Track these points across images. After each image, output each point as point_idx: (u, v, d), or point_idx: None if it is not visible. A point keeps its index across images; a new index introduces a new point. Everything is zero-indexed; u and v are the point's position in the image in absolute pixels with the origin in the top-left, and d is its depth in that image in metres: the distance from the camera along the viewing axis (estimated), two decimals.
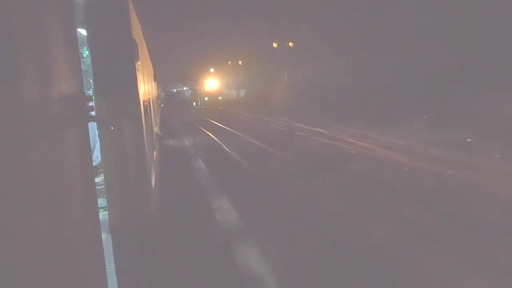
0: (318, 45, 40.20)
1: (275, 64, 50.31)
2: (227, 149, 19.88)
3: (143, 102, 5.25)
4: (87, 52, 3.99)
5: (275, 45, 46.74)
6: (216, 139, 23.74)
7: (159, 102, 35.25)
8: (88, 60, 3.95)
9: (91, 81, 4.07)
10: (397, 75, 27.16)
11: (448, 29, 24.96)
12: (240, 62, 66.01)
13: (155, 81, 15.81)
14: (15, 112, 1.28)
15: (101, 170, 4.29)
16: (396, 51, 27.95)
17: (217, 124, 33.10)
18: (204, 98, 68.46)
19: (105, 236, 3.91)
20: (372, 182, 12.48)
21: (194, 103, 67.36)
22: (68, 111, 1.94)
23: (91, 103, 2.30)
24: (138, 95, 4.30)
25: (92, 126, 3.93)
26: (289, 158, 16.93)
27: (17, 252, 1.20)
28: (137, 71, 4.39)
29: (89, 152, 2.41)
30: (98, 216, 2.40)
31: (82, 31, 4.13)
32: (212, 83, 70.95)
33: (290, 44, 45.88)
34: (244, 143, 21.87)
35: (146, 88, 6.91)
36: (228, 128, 29.29)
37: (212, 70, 72.73)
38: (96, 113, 3.17)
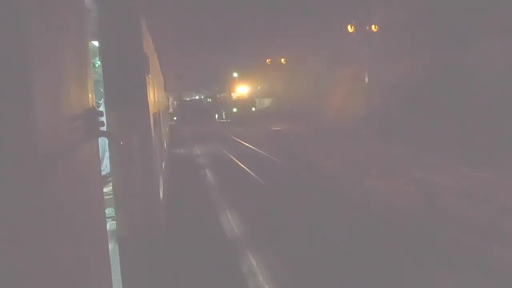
0: (421, 27, 22.82)
1: (344, 61, 33.66)
2: None
3: (153, 114, 5.34)
4: (99, 62, 4.10)
5: (350, 29, 30.78)
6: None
7: (170, 112, 32.96)
8: (100, 70, 4.06)
9: (102, 90, 4.17)
10: None
11: None
12: (282, 60, 49.56)
13: (165, 91, 15.96)
14: (28, 129, 1.32)
15: (109, 179, 4.36)
16: None
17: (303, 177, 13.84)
18: (231, 109, 52.09)
19: (112, 246, 3.94)
20: None
21: (216, 116, 53.50)
22: (80, 128, 1.99)
23: (102, 118, 2.36)
24: (148, 109, 4.39)
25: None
26: None
27: (23, 260, 1.23)
28: (147, 85, 4.49)
29: (99, 166, 2.47)
30: (106, 230, 2.45)
31: (95, 42, 4.23)
32: (242, 90, 55.70)
33: (373, 28, 30.14)
34: None
35: (155, 100, 7.02)
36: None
37: (235, 74, 57.70)
38: (106, 127, 3.24)
